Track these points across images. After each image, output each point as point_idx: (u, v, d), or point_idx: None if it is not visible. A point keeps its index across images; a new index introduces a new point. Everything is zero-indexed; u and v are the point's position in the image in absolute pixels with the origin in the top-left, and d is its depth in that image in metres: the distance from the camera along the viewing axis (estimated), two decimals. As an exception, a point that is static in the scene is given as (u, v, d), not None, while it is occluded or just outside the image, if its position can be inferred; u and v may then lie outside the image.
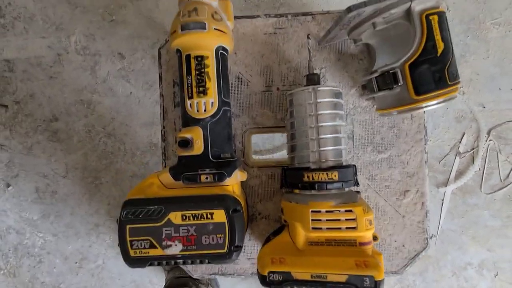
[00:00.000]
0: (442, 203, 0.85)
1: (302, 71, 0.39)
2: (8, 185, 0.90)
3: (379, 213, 0.38)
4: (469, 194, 0.84)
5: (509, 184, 0.83)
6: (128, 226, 0.30)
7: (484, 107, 0.83)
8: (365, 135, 0.38)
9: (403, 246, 0.38)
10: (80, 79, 0.88)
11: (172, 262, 0.30)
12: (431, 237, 0.85)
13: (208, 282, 0.72)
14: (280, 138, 0.78)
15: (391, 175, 0.38)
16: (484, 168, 0.83)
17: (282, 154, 0.79)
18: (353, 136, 0.38)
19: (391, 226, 0.38)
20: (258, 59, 0.39)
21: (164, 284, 0.75)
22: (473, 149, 0.84)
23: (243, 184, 0.37)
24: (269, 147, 0.81)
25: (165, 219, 0.30)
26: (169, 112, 0.40)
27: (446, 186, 0.84)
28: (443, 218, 0.84)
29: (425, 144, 0.38)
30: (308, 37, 0.36)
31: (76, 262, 0.89)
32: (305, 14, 0.39)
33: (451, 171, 0.84)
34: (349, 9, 0.26)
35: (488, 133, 0.84)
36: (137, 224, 0.30)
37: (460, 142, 0.84)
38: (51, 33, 0.88)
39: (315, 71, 0.38)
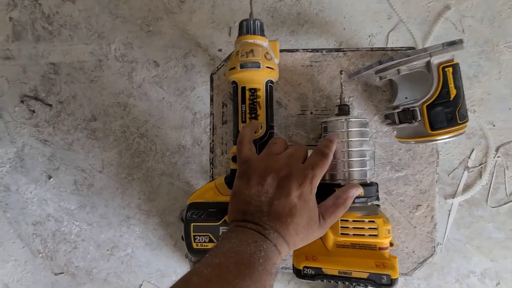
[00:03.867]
0: (449, 213, 0.90)
1: (333, 99, 0.46)
2: (50, 177, 0.99)
3: (394, 223, 0.45)
4: (475, 207, 0.89)
5: (515, 199, 0.88)
6: (192, 224, 0.37)
7: (494, 126, 0.88)
8: (385, 155, 0.45)
9: (413, 252, 0.45)
10: (118, 84, 0.97)
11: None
12: (437, 245, 0.90)
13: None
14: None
15: (406, 191, 0.45)
16: (491, 183, 0.88)
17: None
18: (374, 156, 0.45)
19: (403, 235, 0.45)
20: (295, 87, 0.46)
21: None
22: (481, 164, 0.89)
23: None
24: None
25: (222, 220, 0.37)
26: (217, 128, 0.47)
27: (453, 198, 0.89)
28: (449, 228, 0.90)
29: (436, 166, 0.44)
30: (341, 73, 0.42)
31: (107, 250, 0.99)
32: (337, 50, 0.45)
33: (459, 184, 0.90)
34: (380, 62, 0.33)
35: (497, 150, 0.88)
36: (199, 222, 0.37)
37: (469, 157, 0.89)
38: (94, 41, 0.97)
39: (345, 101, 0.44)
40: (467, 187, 0.89)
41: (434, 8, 0.90)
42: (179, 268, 0.96)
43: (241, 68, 0.38)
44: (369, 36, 0.92)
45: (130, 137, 0.97)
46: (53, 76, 0.98)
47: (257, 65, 0.37)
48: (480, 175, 0.89)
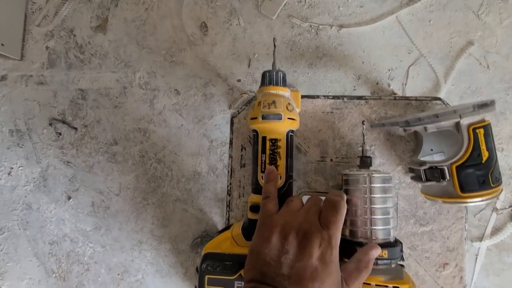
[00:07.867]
0: (476, 258, 0.84)
1: (354, 146, 0.45)
2: (69, 198, 1.02)
3: (418, 281, 0.42)
4: (506, 252, 0.83)
5: (551, 246, 0.81)
6: (207, 276, 0.37)
7: (525, 166, 0.83)
8: (409, 208, 0.43)
9: (440, 315, 0.41)
10: (140, 110, 1.00)
11: (241, 311, 0.36)
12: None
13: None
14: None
15: (432, 247, 0.42)
16: (523, 227, 0.82)
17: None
18: (397, 208, 0.43)
19: (429, 295, 0.42)
20: (315, 133, 0.46)
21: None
22: (511, 206, 0.83)
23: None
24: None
25: (237, 274, 0.36)
26: (236, 171, 0.47)
27: (481, 241, 0.83)
28: (476, 274, 0.83)
29: (465, 222, 0.42)
30: (363, 123, 0.42)
31: (118, 274, 0.98)
32: (359, 98, 0.45)
33: (486, 226, 0.84)
34: (407, 123, 0.32)
35: (529, 192, 0.83)
36: (214, 275, 0.36)
37: (497, 198, 0.83)
38: (120, 69, 1.02)
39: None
40: (496, 230, 0.83)
41: (457, 43, 0.89)
42: (188, 298, 0.94)
43: (262, 119, 0.38)
44: (389, 70, 0.91)
45: (148, 162, 0.99)
46: (80, 101, 1.04)
47: (278, 117, 0.38)
48: (510, 217, 0.83)
